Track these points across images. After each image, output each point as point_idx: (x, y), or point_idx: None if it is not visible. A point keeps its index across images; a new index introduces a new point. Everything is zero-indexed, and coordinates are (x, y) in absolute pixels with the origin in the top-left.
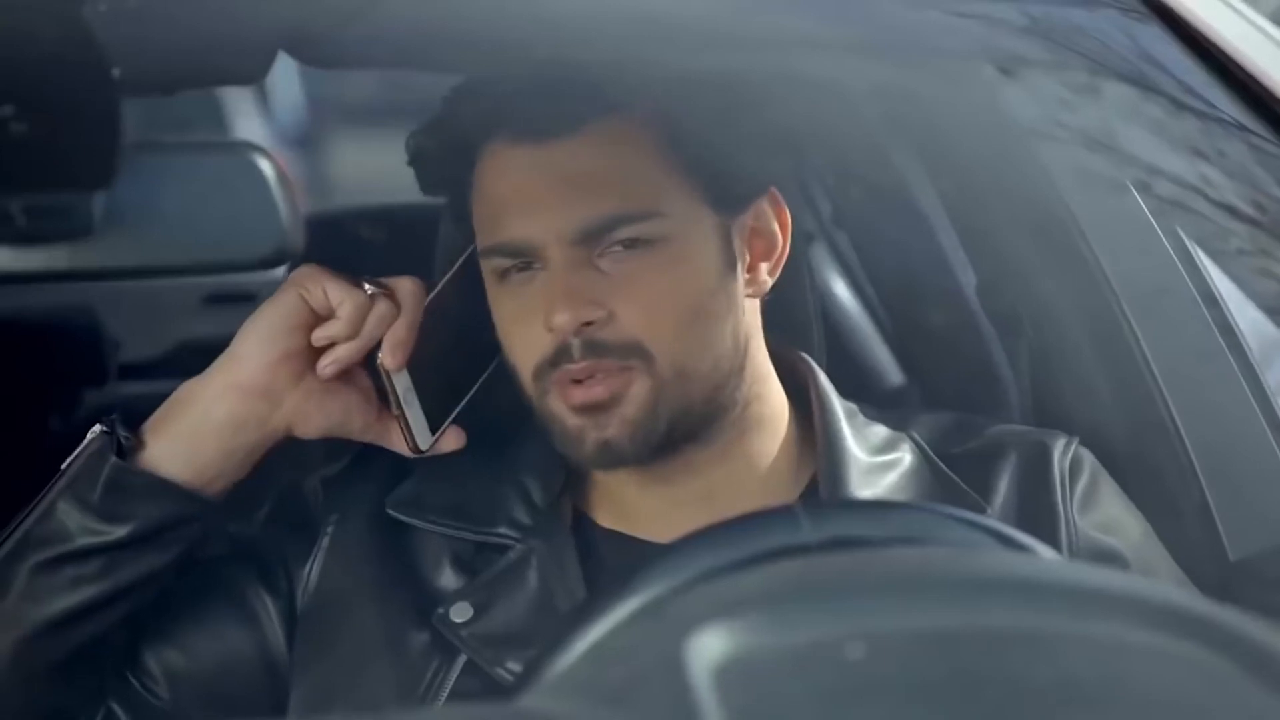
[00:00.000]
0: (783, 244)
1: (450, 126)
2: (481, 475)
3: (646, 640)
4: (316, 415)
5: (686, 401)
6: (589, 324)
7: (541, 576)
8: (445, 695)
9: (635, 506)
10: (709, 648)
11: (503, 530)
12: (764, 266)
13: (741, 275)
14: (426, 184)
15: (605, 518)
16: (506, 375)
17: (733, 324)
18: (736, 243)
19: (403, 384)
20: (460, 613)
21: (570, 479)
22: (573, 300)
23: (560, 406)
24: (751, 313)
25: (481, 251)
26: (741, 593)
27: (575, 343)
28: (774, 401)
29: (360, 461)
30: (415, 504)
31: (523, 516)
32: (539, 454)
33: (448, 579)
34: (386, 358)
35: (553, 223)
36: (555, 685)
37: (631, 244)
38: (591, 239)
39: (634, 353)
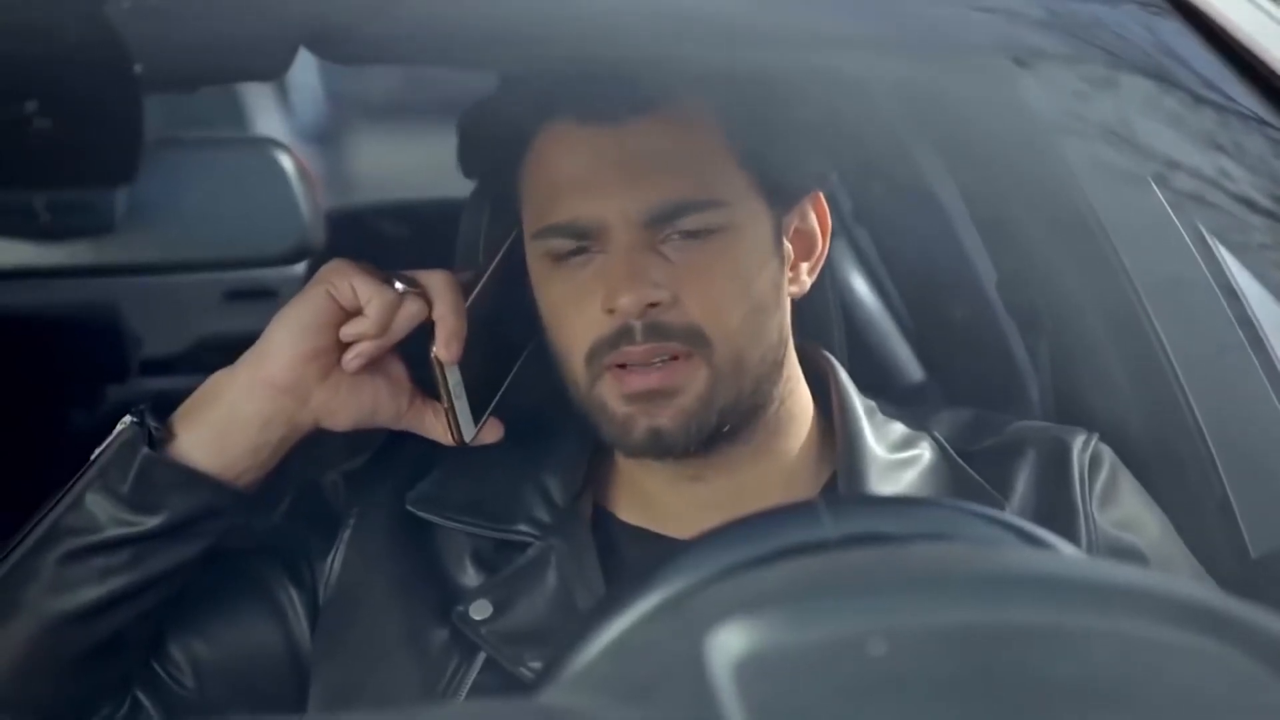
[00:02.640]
0: (822, 245)
1: (507, 105)
2: (502, 472)
3: (667, 636)
4: (345, 409)
5: (738, 394)
6: (654, 305)
7: (561, 574)
8: (465, 692)
9: (660, 502)
10: (730, 644)
11: (522, 528)
12: (804, 266)
13: (786, 272)
14: (472, 164)
15: (628, 513)
16: (530, 371)
17: (779, 319)
18: (784, 240)
19: (454, 377)
20: (480, 610)
21: (591, 475)
22: (639, 281)
23: (612, 392)
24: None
25: (536, 233)
26: (762, 589)
27: (638, 325)
28: (803, 399)
29: (381, 457)
30: (435, 501)
31: (542, 514)
32: (559, 451)
33: (467, 576)
34: (442, 350)
35: (621, 204)
36: (575, 681)
37: (694, 232)
38: (657, 223)
39: (695, 339)
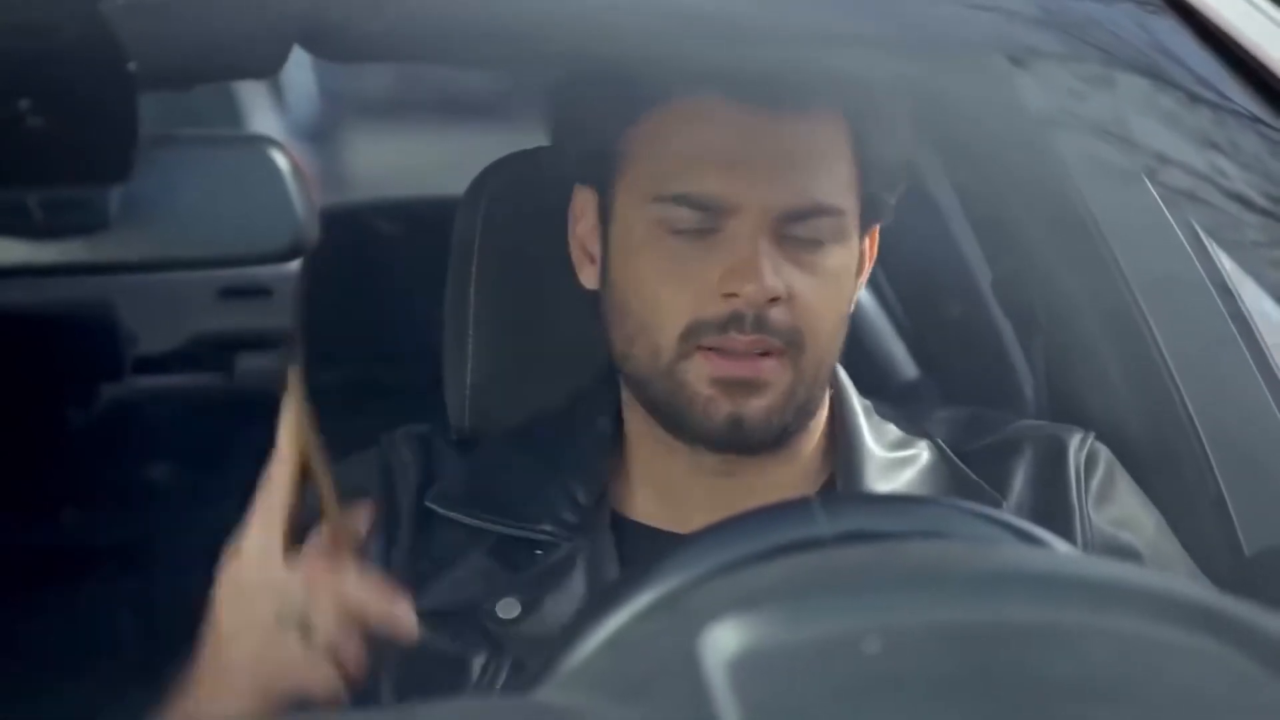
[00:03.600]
0: (868, 267)
1: (630, 67)
2: (524, 472)
3: (662, 634)
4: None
5: (810, 398)
6: (774, 300)
7: (588, 576)
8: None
9: (678, 498)
10: (725, 641)
11: (548, 527)
12: (858, 282)
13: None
14: (569, 117)
15: (643, 513)
16: (549, 376)
17: (843, 336)
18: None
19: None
20: (508, 609)
21: (609, 478)
22: (765, 273)
23: (700, 373)
24: None
25: (655, 196)
26: (758, 586)
27: (750, 315)
28: (827, 405)
29: (389, 456)
30: (457, 499)
31: (568, 514)
32: (580, 451)
33: (490, 572)
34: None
35: (763, 192)
36: (570, 678)
37: (812, 234)
38: (789, 220)
39: (794, 341)
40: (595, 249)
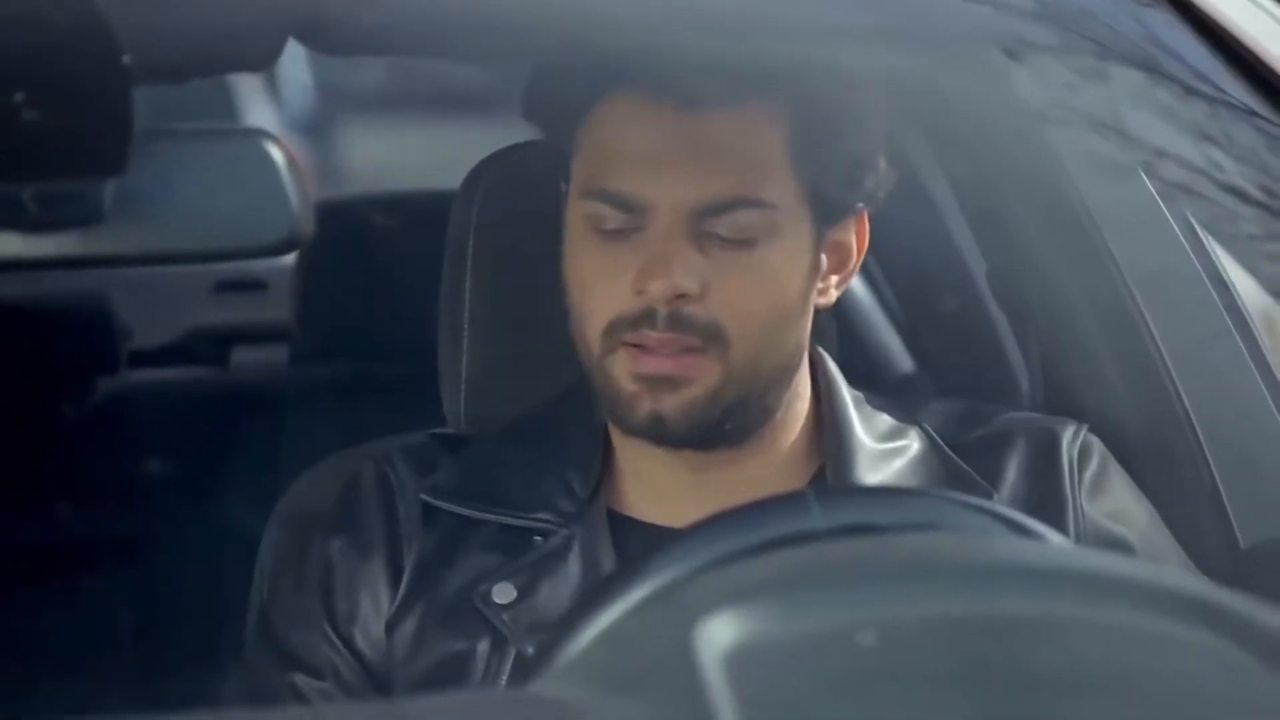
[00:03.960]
0: (856, 259)
1: (585, 61)
2: (519, 464)
3: (657, 627)
4: None
5: (746, 395)
6: (682, 296)
7: (584, 564)
8: (504, 679)
9: (660, 493)
10: (719, 634)
11: (544, 515)
12: (834, 279)
13: (816, 284)
14: (535, 109)
15: (631, 507)
16: (543, 363)
17: (800, 328)
18: (821, 252)
19: None
20: (503, 593)
21: (604, 471)
22: (673, 269)
23: (622, 370)
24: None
25: (584, 194)
26: (752, 579)
27: (662, 312)
28: (805, 398)
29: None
30: (452, 491)
31: (564, 504)
32: (576, 446)
33: (486, 559)
34: None
35: (675, 189)
36: (565, 671)
37: (736, 230)
38: (703, 216)
39: (714, 336)
40: None
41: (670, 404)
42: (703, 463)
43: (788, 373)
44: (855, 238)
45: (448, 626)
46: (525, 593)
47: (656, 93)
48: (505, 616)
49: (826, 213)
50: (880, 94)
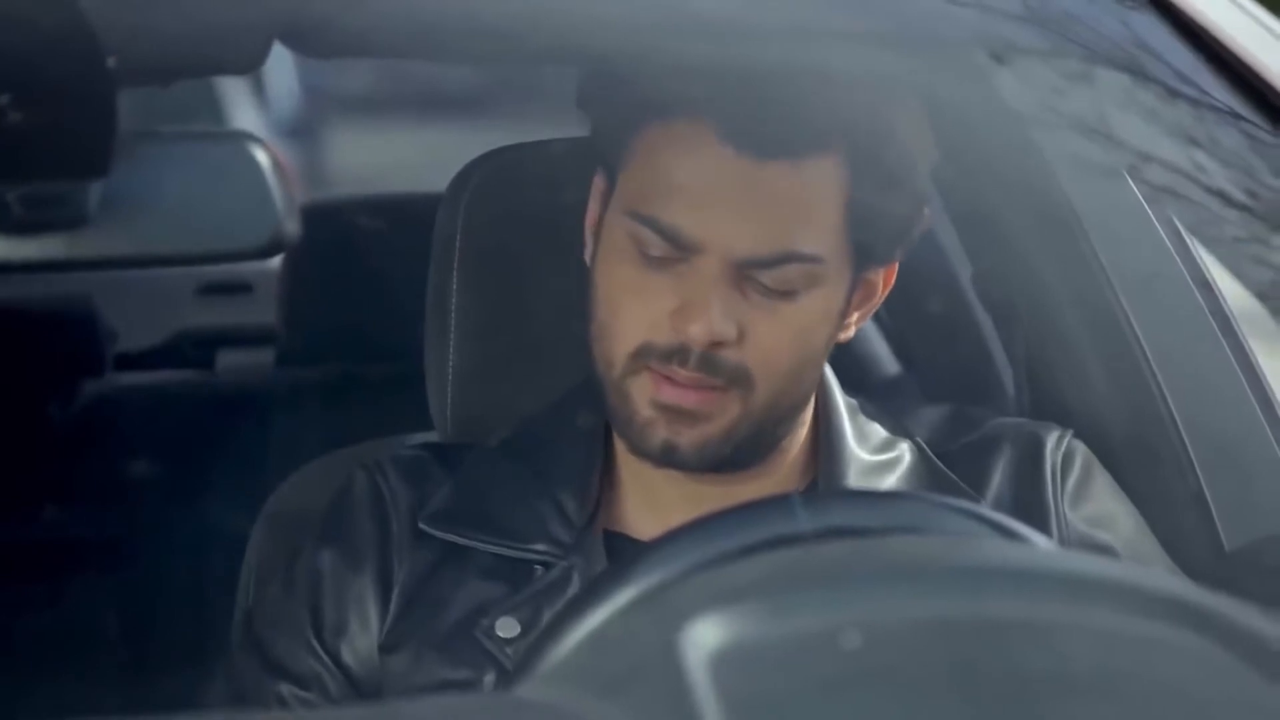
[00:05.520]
0: (880, 296)
1: (658, 87)
2: (515, 488)
3: (643, 630)
4: None
5: (760, 430)
6: (719, 343)
7: None
8: None
9: (664, 510)
10: (705, 637)
11: (541, 546)
12: (857, 315)
13: (842, 324)
14: (590, 99)
15: (635, 527)
16: (531, 373)
17: (820, 370)
18: (853, 295)
19: None
20: (507, 627)
21: (601, 488)
22: (714, 316)
23: (642, 393)
24: None
25: (632, 213)
26: (738, 582)
27: (696, 353)
28: (809, 418)
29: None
30: (449, 518)
31: (560, 532)
32: (571, 466)
33: (485, 590)
34: None
35: (730, 237)
36: (551, 674)
37: (781, 282)
38: (754, 266)
39: (741, 380)
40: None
41: (686, 437)
42: (710, 481)
43: (802, 407)
44: (884, 278)
45: (448, 655)
46: (529, 627)
47: (726, 131)
48: (509, 650)
49: (867, 261)
50: (929, 143)
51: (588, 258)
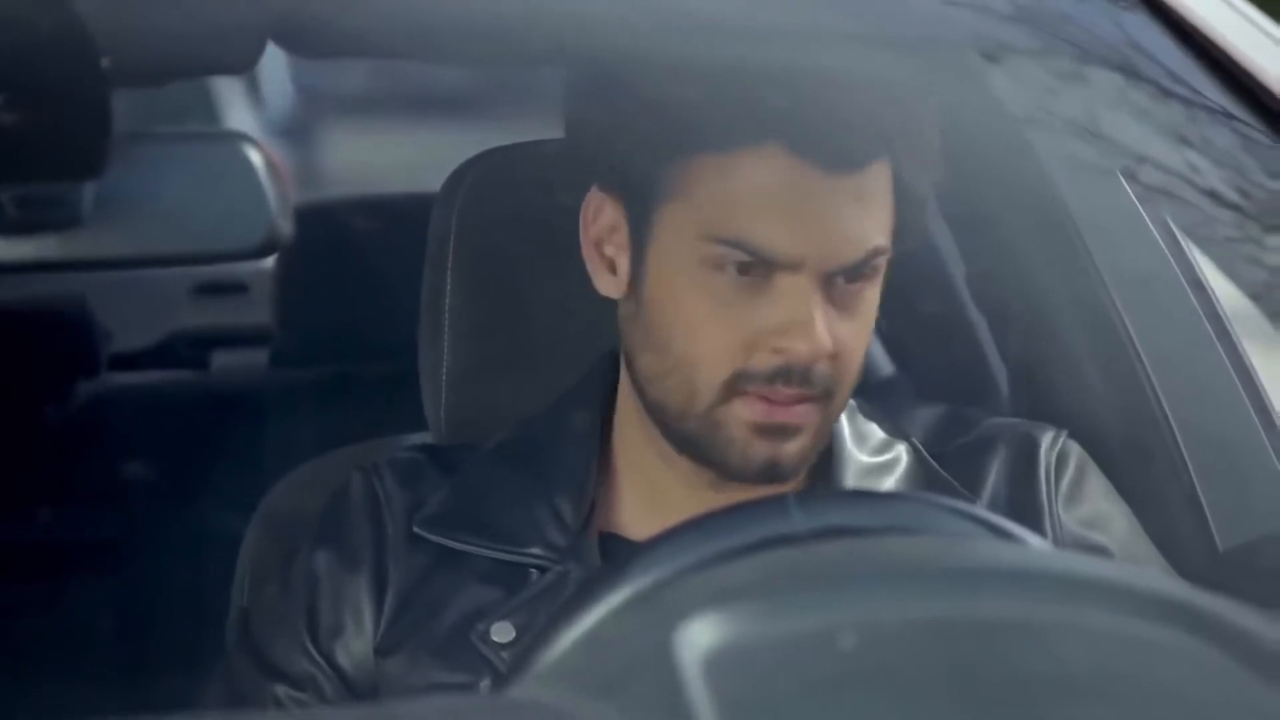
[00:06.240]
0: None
1: (694, 116)
2: (510, 492)
3: (637, 630)
4: None
5: (829, 431)
6: (826, 357)
7: None
8: None
9: (670, 512)
10: (700, 637)
11: (536, 551)
12: None
13: None
14: (602, 128)
15: (632, 529)
16: (526, 374)
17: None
18: None
19: None
20: (502, 632)
21: (597, 490)
22: (818, 332)
23: (740, 417)
24: None
25: (709, 237)
26: (733, 582)
27: (799, 370)
28: None
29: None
30: (443, 522)
31: (556, 537)
32: (566, 470)
33: (480, 594)
34: None
35: (823, 249)
36: (545, 675)
37: (858, 279)
38: (840, 274)
39: (828, 390)
40: (620, 260)
41: (787, 451)
42: (729, 487)
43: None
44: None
45: (443, 659)
46: (524, 631)
47: (799, 149)
48: (505, 655)
49: (903, 245)
50: (938, 128)
51: (604, 287)
